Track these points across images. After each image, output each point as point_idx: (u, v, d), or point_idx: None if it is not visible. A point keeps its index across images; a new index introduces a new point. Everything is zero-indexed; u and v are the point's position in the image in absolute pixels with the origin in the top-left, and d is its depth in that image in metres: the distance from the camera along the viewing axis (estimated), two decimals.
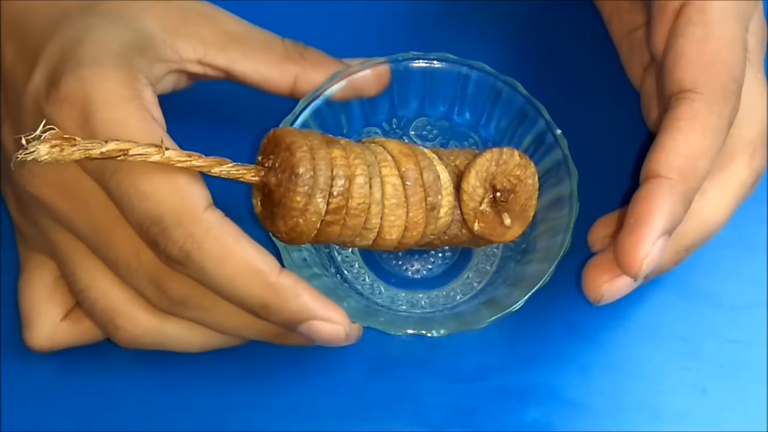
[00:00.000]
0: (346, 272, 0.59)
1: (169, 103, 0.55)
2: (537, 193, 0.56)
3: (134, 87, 0.52)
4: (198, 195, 0.51)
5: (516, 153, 0.55)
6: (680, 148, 0.51)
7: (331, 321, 0.52)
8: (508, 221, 0.55)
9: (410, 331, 0.54)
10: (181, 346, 0.55)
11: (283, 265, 0.52)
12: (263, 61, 0.57)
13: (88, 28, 0.54)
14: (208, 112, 0.55)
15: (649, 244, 0.50)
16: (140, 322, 0.54)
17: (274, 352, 0.58)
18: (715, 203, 0.55)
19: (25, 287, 0.56)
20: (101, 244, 0.53)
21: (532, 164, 0.56)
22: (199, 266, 0.50)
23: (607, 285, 0.53)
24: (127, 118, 0.51)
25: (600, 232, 0.57)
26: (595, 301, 0.53)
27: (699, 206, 0.53)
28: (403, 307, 0.59)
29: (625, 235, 0.51)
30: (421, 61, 0.59)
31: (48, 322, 0.55)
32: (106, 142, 0.48)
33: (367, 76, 0.58)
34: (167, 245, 0.50)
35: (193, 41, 0.56)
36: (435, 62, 0.59)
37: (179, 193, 0.50)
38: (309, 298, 0.52)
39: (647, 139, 0.61)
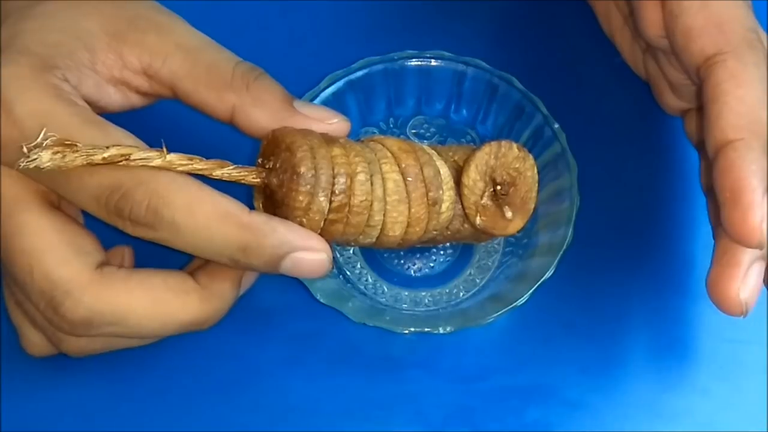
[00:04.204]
0: (348, 273, 0.59)
1: (169, 104, 0.55)
2: (537, 185, 0.56)
3: (47, 80, 0.50)
4: None
5: (515, 146, 0.55)
6: (736, 107, 0.50)
7: (312, 249, 0.51)
8: (509, 214, 0.55)
9: (416, 329, 0.54)
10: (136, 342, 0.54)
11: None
12: (205, 83, 0.53)
13: (18, 33, 0.52)
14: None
15: (759, 205, 0.48)
16: None
17: (275, 352, 0.58)
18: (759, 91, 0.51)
19: (7, 299, 0.55)
20: (3, 256, 0.52)
21: (531, 156, 0.56)
22: (169, 221, 0.49)
23: (743, 287, 0.50)
24: (52, 107, 0.50)
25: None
26: (743, 313, 0.51)
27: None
28: (406, 306, 0.59)
29: (730, 210, 0.49)
30: (416, 59, 0.59)
31: (38, 332, 0.54)
32: (108, 147, 0.48)
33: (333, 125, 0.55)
34: (133, 208, 0.49)
35: (138, 49, 0.53)
36: (431, 60, 0.60)
37: None
38: (286, 231, 0.50)
39: (648, 131, 0.62)
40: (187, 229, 0.49)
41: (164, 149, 0.49)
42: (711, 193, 0.55)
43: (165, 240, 0.50)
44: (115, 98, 0.54)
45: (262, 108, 0.53)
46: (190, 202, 0.49)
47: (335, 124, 0.54)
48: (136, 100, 0.55)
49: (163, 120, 0.57)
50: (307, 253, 0.51)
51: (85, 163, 0.48)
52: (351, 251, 0.60)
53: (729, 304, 0.50)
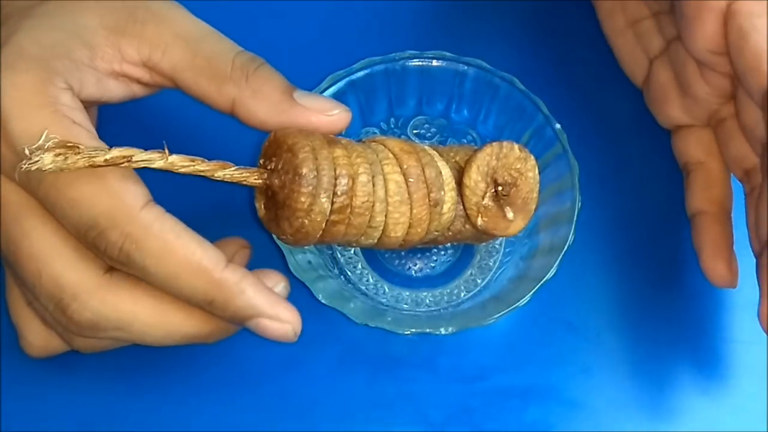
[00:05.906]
0: (349, 273, 0.59)
1: (170, 107, 0.55)
2: (538, 185, 0.56)
3: (47, 93, 0.50)
4: (132, 193, 0.49)
5: (516, 146, 0.55)
6: None
7: (278, 320, 0.50)
8: (510, 215, 0.55)
9: (418, 330, 0.54)
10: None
11: (289, 271, 0.51)
12: (205, 75, 0.52)
13: (15, 32, 0.52)
14: (208, 116, 0.55)
15: None
16: None
17: (275, 353, 0.58)
18: None
19: (9, 298, 0.55)
20: (11, 259, 0.52)
21: (532, 157, 0.56)
22: (140, 266, 0.49)
23: None
24: (45, 126, 0.49)
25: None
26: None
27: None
28: (407, 306, 0.59)
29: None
30: (417, 59, 0.59)
31: (37, 333, 0.54)
32: (110, 149, 0.48)
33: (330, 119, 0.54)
34: (107, 248, 0.49)
35: (137, 41, 0.52)
36: (432, 60, 0.60)
37: (110, 193, 0.49)
38: (254, 294, 0.50)
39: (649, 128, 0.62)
40: (156, 275, 0.49)
41: (166, 151, 0.49)
42: (697, 216, 0.57)
43: (137, 276, 0.50)
44: (117, 91, 0.54)
45: (261, 100, 0.52)
46: (162, 251, 0.49)
47: (336, 115, 0.53)
48: (137, 90, 0.54)
49: (164, 118, 0.57)
50: (272, 322, 0.51)
51: (87, 164, 0.48)
52: (352, 252, 0.60)
53: None
